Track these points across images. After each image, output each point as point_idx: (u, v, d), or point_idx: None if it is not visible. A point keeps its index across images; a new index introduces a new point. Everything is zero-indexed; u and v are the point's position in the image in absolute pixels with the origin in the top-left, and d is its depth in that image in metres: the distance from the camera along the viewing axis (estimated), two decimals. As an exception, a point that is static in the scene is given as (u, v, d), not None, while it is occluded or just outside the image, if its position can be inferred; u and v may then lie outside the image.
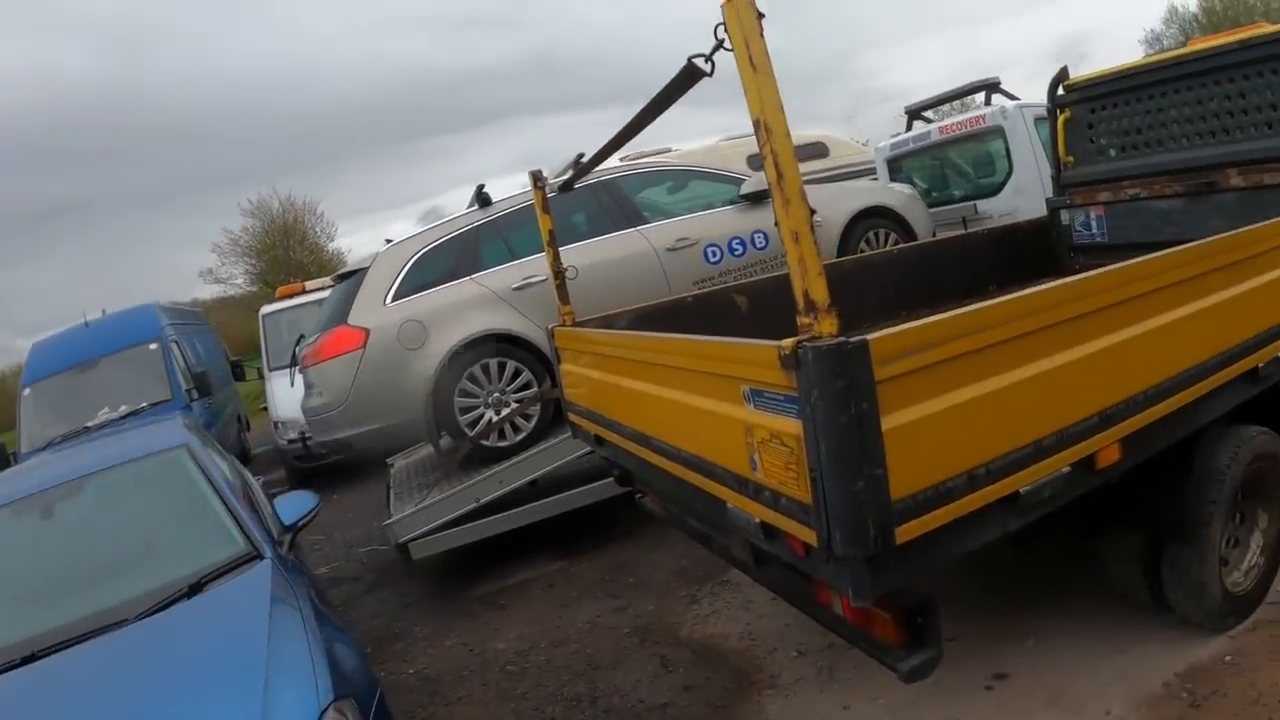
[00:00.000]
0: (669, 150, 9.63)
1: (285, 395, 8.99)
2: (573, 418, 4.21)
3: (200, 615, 2.99)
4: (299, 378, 6.08)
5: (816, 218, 2.04)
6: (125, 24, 54.89)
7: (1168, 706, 2.86)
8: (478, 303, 5.47)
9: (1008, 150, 7.49)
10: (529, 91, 63.71)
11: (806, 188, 1.89)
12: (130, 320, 9.66)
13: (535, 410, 5.42)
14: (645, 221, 5.99)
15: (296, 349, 6.83)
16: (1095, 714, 2.90)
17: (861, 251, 6.21)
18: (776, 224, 1.89)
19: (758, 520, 2.28)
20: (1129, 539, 3.05)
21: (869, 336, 1.89)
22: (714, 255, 5.97)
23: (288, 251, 31.53)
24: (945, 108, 9.49)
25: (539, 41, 70.14)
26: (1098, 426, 2.38)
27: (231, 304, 29.84)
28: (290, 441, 9.55)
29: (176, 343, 9.45)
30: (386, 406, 5.36)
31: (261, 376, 11.21)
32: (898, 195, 6.76)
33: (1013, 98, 8.09)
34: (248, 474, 4.87)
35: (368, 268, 5.64)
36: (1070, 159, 5.16)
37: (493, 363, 5.34)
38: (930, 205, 7.29)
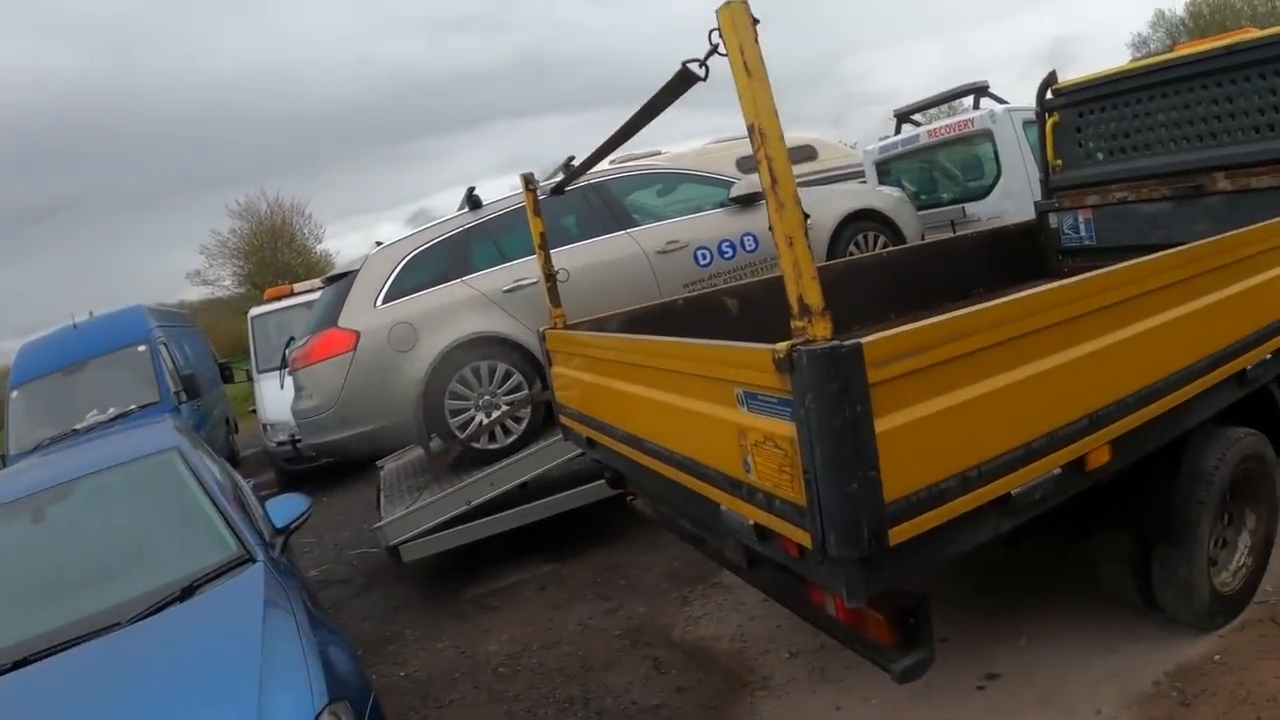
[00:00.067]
0: (658, 153, 9.62)
1: (274, 397, 8.96)
2: (564, 420, 4.21)
3: (193, 619, 2.98)
4: (288, 380, 6.05)
5: (808, 221, 2.05)
6: (114, 26, 54.73)
7: (1158, 705, 2.89)
8: (468, 305, 5.46)
9: (996, 154, 7.51)
10: (518, 93, 63.93)
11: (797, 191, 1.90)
12: (118, 322, 9.59)
13: (526, 413, 5.41)
14: (635, 224, 5.99)
15: (286, 351, 6.80)
16: (1086, 713, 2.93)
17: (851, 254, 6.23)
18: (770, 228, 1.90)
19: (751, 522, 2.29)
20: (1119, 540, 3.07)
21: (863, 340, 1.90)
22: (704, 258, 5.97)
23: (276, 253, 31.42)
24: (934, 111, 9.56)
25: (528, 43, 70.29)
26: (1088, 429, 2.40)
27: (219, 306, 29.75)
28: (280, 444, 9.50)
29: (165, 345, 9.37)
30: (377, 409, 5.34)
31: (250, 379, 11.15)
32: (887, 198, 6.77)
33: (1001, 101, 8.14)
34: (238, 477, 4.84)
35: (358, 270, 5.61)
36: (1058, 162, 5.19)
37: (483, 365, 5.32)
38: (919, 208, 7.30)
